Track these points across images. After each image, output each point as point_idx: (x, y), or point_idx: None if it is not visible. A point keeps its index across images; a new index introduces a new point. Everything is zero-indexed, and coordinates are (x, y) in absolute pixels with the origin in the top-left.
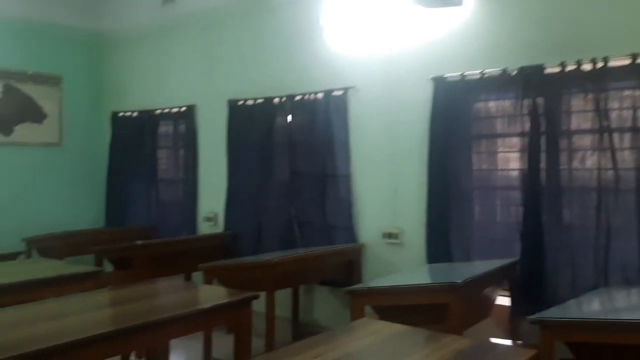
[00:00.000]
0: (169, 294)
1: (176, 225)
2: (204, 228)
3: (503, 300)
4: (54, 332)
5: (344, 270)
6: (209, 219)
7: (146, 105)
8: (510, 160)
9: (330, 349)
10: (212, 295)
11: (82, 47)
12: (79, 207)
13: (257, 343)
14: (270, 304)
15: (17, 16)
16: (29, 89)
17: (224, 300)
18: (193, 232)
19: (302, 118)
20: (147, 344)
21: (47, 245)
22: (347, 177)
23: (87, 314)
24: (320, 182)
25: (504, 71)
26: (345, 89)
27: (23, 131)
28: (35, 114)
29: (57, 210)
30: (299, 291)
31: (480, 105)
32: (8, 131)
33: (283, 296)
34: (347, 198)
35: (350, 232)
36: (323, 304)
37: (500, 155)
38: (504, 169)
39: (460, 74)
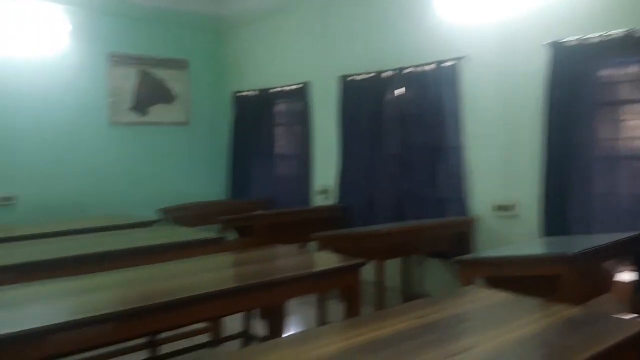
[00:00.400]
0: (285, 258)
1: (292, 198)
2: (318, 201)
3: (628, 276)
4: (187, 287)
5: (455, 242)
6: (322, 192)
7: (264, 84)
8: (635, 128)
9: (435, 311)
10: (324, 260)
11: (206, 32)
12: (207, 180)
13: (368, 310)
14: (380, 273)
15: (149, 5)
16: (161, 73)
17: (334, 265)
18: (307, 204)
19: (413, 91)
20: (264, 302)
21: (179, 215)
22: (458, 149)
23: (212, 273)
24: (431, 154)
25: (629, 32)
26: (457, 59)
27: (156, 112)
28: (166, 96)
29: (188, 183)
30: (409, 262)
31: (602, 70)
32: (144, 112)
33: (394, 267)
34: (458, 170)
35: (461, 204)
36: (434, 275)
37: (625, 123)
38: (630, 138)
39: (580, 38)
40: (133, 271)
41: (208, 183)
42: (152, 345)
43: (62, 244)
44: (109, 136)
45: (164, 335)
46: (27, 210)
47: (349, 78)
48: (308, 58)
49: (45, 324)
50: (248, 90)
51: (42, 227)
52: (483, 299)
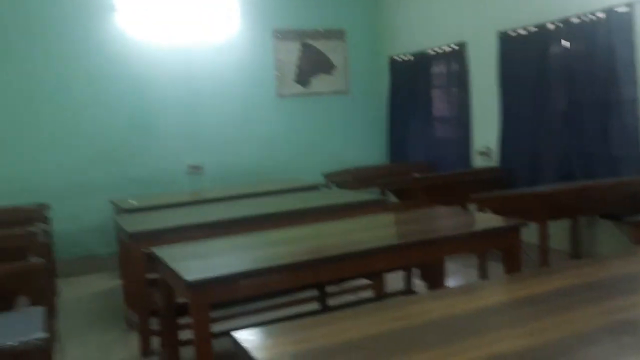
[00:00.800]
0: (445, 218)
1: (452, 161)
2: (478, 162)
3: None
4: (351, 243)
5: (629, 202)
6: (483, 154)
7: (420, 47)
8: None
9: (600, 269)
10: (483, 220)
11: (360, 1)
12: (367, 145)
13: None
14: (543, 235)
15: None
16: (320, 45)
17: (494, 225)
18: (468, 166)
19: (580, 42)
20: (424, 259)
21: (341, 179)
22: (634, 102)
23: (374, 231)
24: (601, 110)
25: None
26: (630, 4)
27: (317, 82)
28: (326, 67)
29: (349, 149)
30: (578, 224)
31: None
32: (306, 83)
33: (562, 230)
34: (634, 125)
35: (636, 162)
36: (606, 238)
37: None
38: None
39: None
40: (303, 229)
41: (368, 148)
42: (321, 298)
43: (243, 205)
44: (276, 107)
45: (331, 289)
46: (212, 176)
47: (509, 33)
48: (464, 16)
49: (234, 271)
50: (404, 55)
51: (225, 191)
52: None
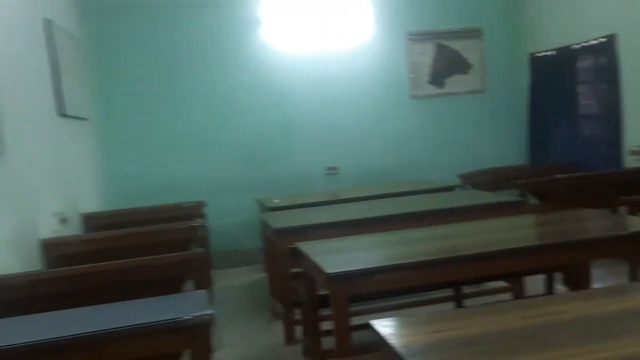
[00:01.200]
0: (589, 221)
1: (599, 161)
2: (631, 162)
3: None
4: (486, 243)
5: None
6: (635, 153)
7: (563, 41)
8: None
9: None
10: (634, 224)
11: None
12: (504, 146)
13: None
14: None
15: None
16: (455, 45)
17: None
18: (618, 166)
19: None
20: (564, 262)
21: (477, 180)
22: None
23: (512, 232)
24: None
25: None
26: None
27: (452, 83)
28: (461, 67)
29: (484, 149)
30: None
31: None
32: (441, 84)
33: None
34: None
35: None
36: None
37: None
38: None
39: None
40: (439, 228)
41: (505, 148)
42: (457, 297)
43: (379, 205)
44: (410, 109)
45: (468, 290)
46: (348, 177)
47: None
48: (614, 7)
49: (370, 266)
50: (546, 50)
51: (361, 192)
52: None
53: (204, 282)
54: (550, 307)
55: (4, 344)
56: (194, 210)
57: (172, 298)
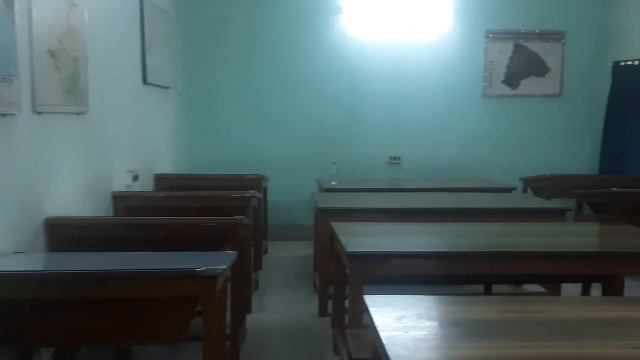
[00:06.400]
0: (629, 237)
1: None
2: None
3: None
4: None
5: None
6: None
7: None
8: None
9: None
10: None
11: (587, 0)
12: (575, 154)
13: None
14: None
15: None
16: (535, 46)
17: None
18: None
19: None
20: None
21: (538, 185)
22: None
23: (548, 237)
24: None
25: None
26: None
27: (527, 85)
28: (539, 69)
29: (555, 155)
30: None
31: None
32: (515, 85)
33: None
34: None
35: None
36: None
37: None
38: None
39: None
40: (478, 226)
41: (577, 156)
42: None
43: (431, 197)
44: (481, 108)
45: (501, 290)
46: (411, 168)
47: None
48: None
49: (387, 251)
50: (631, 60)
51: (420, 184)
52: None
53: (240, 247)
54: (532, 307)
55: (50, 269)
56: (255, 183)
57: (206, 254)
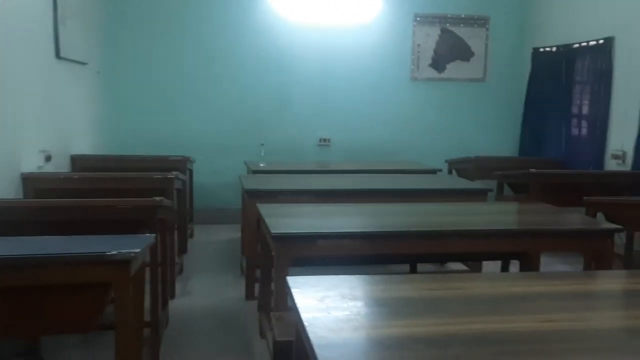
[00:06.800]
0: (539, 215)
1: (583, 161)
2: (611, 166)
3: None
4: (434, 224)
5: None
6: (616, 157)
7: (565, 39)
8: None
9: None
10: (572, 221)
11: None
12: (497, 136)
13: None
14: None
15: None
16: (460, 31)
17: (580, 227)
18: (599, 168)
19: None
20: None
21: (462, 167)
22: None
23: (466, 217)
24: None
25: None
26: None
27: (453, 68)
28: (464, 53)
29: (479, 137)
30: None
31: None
32: (441, 69)
33: None
34: None
35: None
36: None
37: None
38: None
39: None
40: (401, 206)
41: (498, 139)
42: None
43: (357, 179)
44: (409, 91)
45: (425, 269)
46: (339, 151)
47: None
48: (615, 9)
49: (313, 231)
50: (548, 47)
51: (347, 165)
52: None
53: (165, 230)
54: (454, 284)
55: None
56: (179, 164)
57: (119, 238)
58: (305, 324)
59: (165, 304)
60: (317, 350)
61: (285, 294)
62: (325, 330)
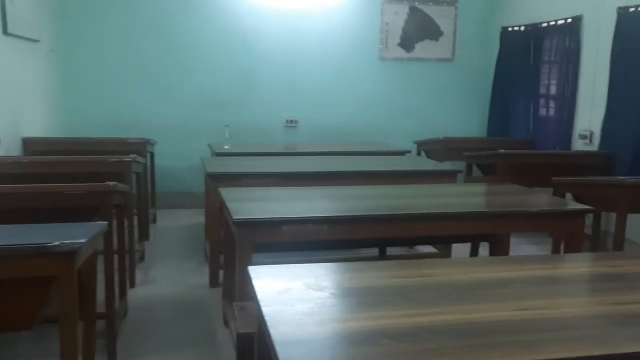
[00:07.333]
0: (508, 196)
1: (551, 141)
2: (578, 146)
3: None
4: (404, 207)
5: None
6: (584, 137)
7: (533, 18)
8: None
9: (635, 264)
10: (542, 202)
11: None
12: (467, 117)
13: None
14: (620, 226)
15: None
16: (429, 10)
17: (551, 208)
18: (567, 148)
19: None
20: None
21: (431, 148)
22: None
23: (435, 199)
24: None
25: None
26: None
27: (422, 48)
28: (433, 32)
29: (446, 118)
30: None
31: None
32: (410, 48)
33: None
34: None
35: None
36: None
37: None
38: None
39: None
40: (372, 188)
41: (468, 119)
42: (382, 259)
43: (325, 161)
44: (378, 71)
45: (395, 252)
46: (307, 132)
47: (630, 10)
48: None
49: (277, 216)
50: (517, 26)
51: (315, 147)
52: None
53: (122, 216)
54: (424, 270)
55: None
56: (139, 147)
57: (66, 226)
58: (267, 318)
59: (123, 294)
60: (279, 348)
61: (247, 282)
62: (288, 325)
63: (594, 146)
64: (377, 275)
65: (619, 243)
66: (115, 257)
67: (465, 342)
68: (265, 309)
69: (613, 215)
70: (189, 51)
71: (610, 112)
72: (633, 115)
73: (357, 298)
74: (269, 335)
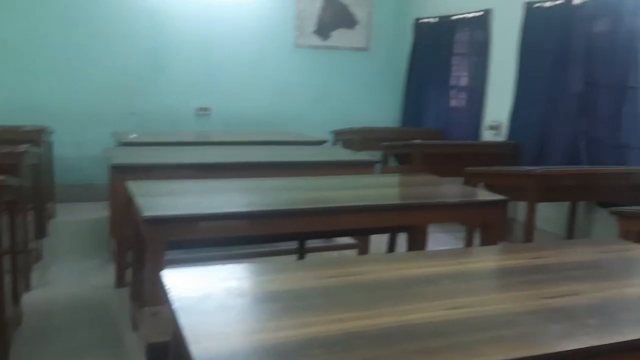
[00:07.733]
0: (425, 186)
1: (462, 132)
2: (487, 136)
3: None
4: (326, 199)
5: (632, 194)
6: (493, 128)
7: (446, 10)
8: None
9: (556, 254)
10: (458, 193)
11: None
12: (382, 107)
13: None
14: (530, 215)
15: None
16: None
17: (468, 199)
18: (476, 139)
19: (604, 20)
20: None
21: (348, 138)
22: None
23: (354, 190)
24: (617, 94)
25: None
26: None
27: (337, 36)
28: (348, 21)
29: (363, 108)
30: (576, 210)
31: None
32: (326, 36)
33: (560, 213)
34: None
35: None
36: (601, 226)
37: None
38: None
39: None
40: (288, 180)
41: (383, 109)
42: (301, 251)
43: (239, 151)
44: (293, 58)
45: (314, 244)
46: (220, 120)
47: (536, 5)
48: None
49: (193, 212)
50: (430, 17)
51: (228, 136)
52: (621, 250)
53: (13, 213)
54: (349, 269)
55: None
56: (33, 136)
57: None
58: (186, 332)
59: (16, 298)
60: None
61: (160, 285)
62: (210, 339)
63: (503, 137)
64: (301, 276)
65: (530, 231)
66: (7, 257)
67: (400, 348)
68: (183, 320)
69: (520, 204)
70: (91, 34)
71: (517, 103)
72: (538, 106)
73: (283, 303)
74: (188, 352)
